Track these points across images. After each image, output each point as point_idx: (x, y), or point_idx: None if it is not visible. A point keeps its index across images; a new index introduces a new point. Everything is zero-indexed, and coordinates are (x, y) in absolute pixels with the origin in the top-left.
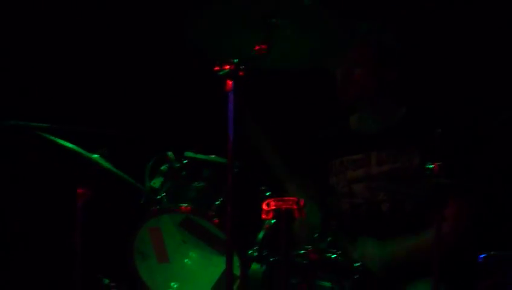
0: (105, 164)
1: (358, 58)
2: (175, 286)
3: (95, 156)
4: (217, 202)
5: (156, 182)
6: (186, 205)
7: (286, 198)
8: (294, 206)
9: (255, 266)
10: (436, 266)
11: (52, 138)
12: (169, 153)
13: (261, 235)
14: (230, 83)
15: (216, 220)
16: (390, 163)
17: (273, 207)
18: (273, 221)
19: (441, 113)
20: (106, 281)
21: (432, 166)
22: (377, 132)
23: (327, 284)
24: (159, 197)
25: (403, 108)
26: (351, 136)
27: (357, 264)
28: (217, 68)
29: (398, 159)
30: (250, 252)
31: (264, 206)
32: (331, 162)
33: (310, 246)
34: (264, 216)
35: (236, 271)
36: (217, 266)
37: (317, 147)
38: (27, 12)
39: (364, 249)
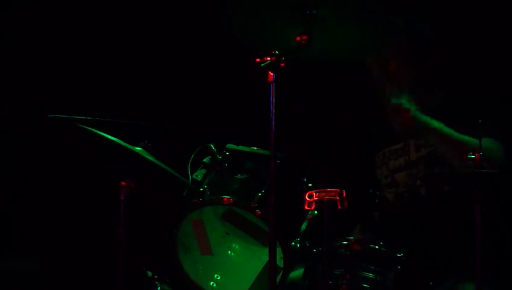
0: (149, 157)
1: (393, 50)
2: (218, 277)
3: (138, 148)
4: (259, 194)
5: (199, 175)
6: (228, 197)
7: (328, 189)
8: (337, 197)
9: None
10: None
11: (95, 130)
12: (212, 145)
13: (303, 226)
14: (271, 74)
15: (259, 212)
16: (428, 147)
17: (316, 198)
18: (315, 212)
19: (479, 97)
20: (149, 273)
21: (473, 156)
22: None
23: (370, 275)
24: (201, 189)
25: (440, 92)
26: (389, 127)
27: (400, 255)
28: (258, 60)
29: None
30: (293, 243)
31: (306, 198)
32: (375, 156)
33: (352, 237)
34: (306, 207)
35: (280, 263)
36: (259, 257)
37: (362, 140)
38: (64, 5)
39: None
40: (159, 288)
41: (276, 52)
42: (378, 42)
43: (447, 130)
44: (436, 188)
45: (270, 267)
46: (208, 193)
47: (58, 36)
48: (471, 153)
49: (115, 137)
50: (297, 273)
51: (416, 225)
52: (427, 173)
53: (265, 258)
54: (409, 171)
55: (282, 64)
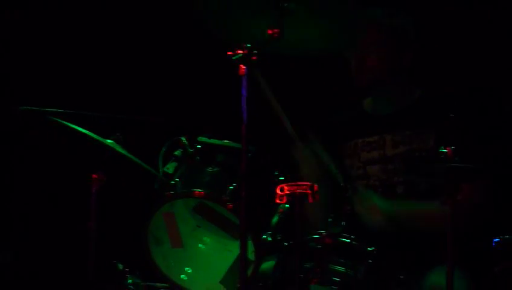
0: (120, 149)
1: (372, 43)
2: (189, 271)
3: (109, 141)
4: (230, 187)
5: (170, 167)
6: (200, 190)
7: (300, 183)
8: (308, 191)
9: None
10: (451, 251)
11: (66, 123)
12: (183, 138)
13: (275, 219)
14: (243, 67)
15: (230, 205)
16: (406, 145)
17: (287, 192)
18: (286, 205)
19: (456, 96)
20: (120, 266)
21: (445, 150)
22: (392, 113)
23: (341, 268)
24: (172, 182)
25: (417, 90)
26: (365, 118)
27: (371, 248)
28: (230, 53)
29: (413, 140)
30: (264, 236)
31: (278, 191)
32: (345, 145)
33: (323, 231)
34: (277, 201)
35: (251, 256)
36: (231, 251)
37: (330, 130)
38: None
39: (369, 201)
40: (130, 281)
41: (248, 45)
42: (353, 36)
43: (411, 206)
44: (413, 187)
45: (241, 260)
46: (179, 185)
47: (29, 26)
48: (443, 147)
49: (86, 130)
50: (267, 265)
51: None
52: (406, 171)
53: (237, 251)
54: (384, 166)
55: (254, 58)
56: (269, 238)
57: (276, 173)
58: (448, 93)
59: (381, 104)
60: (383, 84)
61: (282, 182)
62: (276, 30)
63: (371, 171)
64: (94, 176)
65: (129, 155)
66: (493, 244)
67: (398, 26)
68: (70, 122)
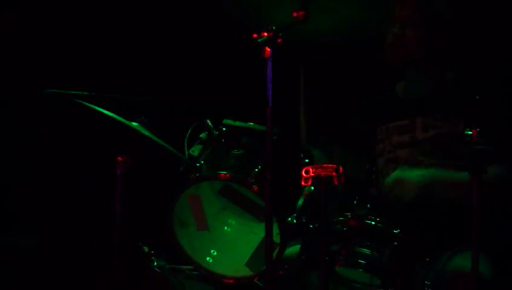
0: (145, 132)
1: (410, 21)
2: (214, 253)
3: (135, 124)
4: (256, 169)
5: (195, 150)
6: (225, 172)
7: (325, 165)
8: (334, 173)
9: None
10: (476, 236)
11: (91, 105)
12: (208, 121)
13: (300, 202)
14: (268, 50)
15: (255, 188)
16: (436, 128)
17: (312, 174)
18: (312, 188)
19: (488, 80)
20: (146, 249)
21: (470, 132)
22: (423, 97)
23: (366, 251)
24: (198, 164)
25: (450, 74)
26: (396, 102)
27: (396, 231)
28: (255, 35)
29: (443, 124)
30: (289, 219)
31: (303, 173)
32: (377, 129)
33: (349, 213)
34: (303, 183)
35: (276, 238)
36: (256, 233)
37: (362, 114)
38: None
39: (401, 172)
40: (155, 263)
41: (273, 27)
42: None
43: (444, 174)
44: None
45: (267, 243)
46: (205, 168)
47: (53, 9)
48: (469, 129)
49: (112, 112)
50: (293, 249)
51: (414, 203)
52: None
53: (262, 234)
54: (413, 149)
55: (279, 40)
56: (294, 221)
57: (301, 155)
58: (480, 78)
59: (414, 86)
60: (417, 63)
61: (307, 164)
62: (301, 12)
63: (401, 155)
64: (119, 158)
65: (154, 138)
66: None
67: (436, 8)
68: (95, 105)
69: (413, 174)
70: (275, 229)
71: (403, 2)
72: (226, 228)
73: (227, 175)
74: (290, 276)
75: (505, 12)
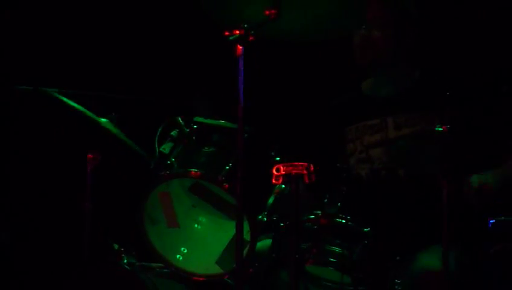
0: (113, 129)
1: (377, 20)
2: (185, 251)
3: (103, 120)
4: (226, 167)
5: (166, 147)
6: (196, 170)
7: (296, 163)
8: (304, 171)
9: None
10: (446, 231)
11: (62, 98)
12: (179, 118)
13: (271, 200)
14: (240, 48)
15: (226, 185)
16: (410, 126)
17: (283, 172)
18: (282, 186)
19: (454, 76)
20: (116, 246)
21: (441, 128)
22: (392, 96)
23: (337, 249)
24: (168, 162)
25: (416, 71)
26: (364, 101)
27: (366, 229)
28: (227, 33)
29: (417, 122)
30: (260, 217)
31: (274, 171)
32: (346, 129)
33: (319, 211)
34: (274, 181)
35: (246, 236)
36: (226, 231)
37: (331, 115)
38: None
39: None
40: (125, 261)
41: (245, 26)
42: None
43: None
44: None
45: (237, 240)
46: (176, 165)
47: (25, 6)
48: (439, 126)
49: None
50: (264, 243)
51: (385, 201)
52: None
53: (232, 231)
54: (386, 149)
55: (251, 38)
56: (265, 219)
57: (272, 153)
58: (447, 74)
59: (382, 85)
60: (385, 64)
61: (278, 162)
62: (273, 11)
63: (373, 155)
64: (89, 155)
65: (120, 135)
66: (489, 225)
67: (403, 5)
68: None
69: (488, 179)
70: (246, 227)
71: (368, 2)
72: (196, 225)
73: (198, 173)
74: (261, 274)
75: (471, 10)
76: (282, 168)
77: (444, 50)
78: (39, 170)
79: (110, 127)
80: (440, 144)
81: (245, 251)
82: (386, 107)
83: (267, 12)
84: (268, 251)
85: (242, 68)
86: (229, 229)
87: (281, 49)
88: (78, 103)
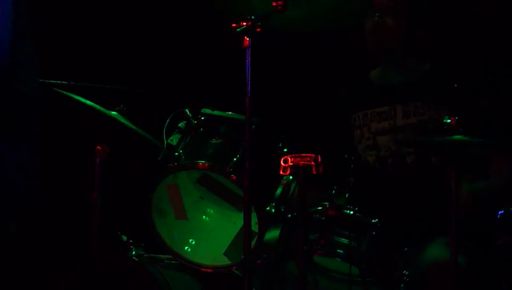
0: (124, 121)
1: (390, 9)
2: (193, 242)
3: (113, 113)
4: (234, 159)
5: (174, 139)
6: (203, 161)
7: (303, 154)
8: (312, 163)
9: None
10: (454, 223)
11: (70, 94)
12: (187, 110)
13: (278, 191)
14: (247, 39)
15: (233, 177)
16: (418, 115)
17: (291, 163)
18: (290, 177)
19: (465, 70)
20: (124, 238)
21: (449, 120)
22: (402, 84)
23: (345, 240)
24: (176, 154)
25: (427, 63)
26: (373, 89)
27: (374, 220)
28: (234, 25)
29: (425, 111)
30: (267, 208)
31: (282, 163)
32: (354, 116)
33: (327, 203)
34: (281, 172)
35: (254, 227)
36: (234, 222)
37: (339, 102)
38: None
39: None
40: (133, 252)
41: (252, 17)
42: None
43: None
44: (423, 158)
45: (245, 232)
46: (183, 157)
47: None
48: (447, 118)
49: (91, 101)
50: (271, 235)
51: (393, 191)
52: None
53: (240, 223)
54: (394, 136)
55: (258, 30)
56: (273, 210)
57: (279, 145)
58: (457, 66)
59: (392, 73)
60: (394, 53)
61: (286, 153)
62: (280, 2)
63: (381, 142)
64: (98, 147)
65: (132, 126)
66: (498, 216)
67: None
68: (75, 94)
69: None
70: (253, 219)
71: None
72: (204, 217)
73: (206, 164)
74: (269, 265)
75: (482, 5)
76: (289, 159)
77: (454, 42)
78: (48, 162)
79: (120, 119)
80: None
81: (253, 243)
82: (396, 95)
83: (273, 4)
84: (277, 242)
85: (249, 59)
86: (237, 221)
87: (287, 40)
88: (87, 96)
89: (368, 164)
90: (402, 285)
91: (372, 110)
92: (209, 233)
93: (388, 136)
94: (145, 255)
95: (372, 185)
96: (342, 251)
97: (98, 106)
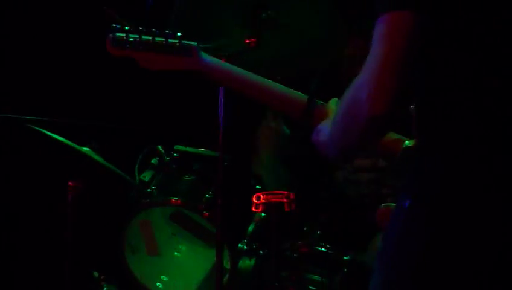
0: (96, 157)
1: (358, 58)
2: (165, 279)
3: (86, 149)
4: (207, 195)
5: (146, 175)
6: (176, 198)
7: (276, 191)
8: (284, 200)
9: (244, 262)
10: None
11: (43, 130)
12: (160, 147)
13: (251, 228)
14: None
15: (206, 213)
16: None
17: (263, 200)
18: (263, 214)
19: None
20: (96, 274)
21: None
22: None
23: (317, 277)
24: (149, 190)
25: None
26: None
27: (346, 257)
28: None
29: None
30: (240, 245)
31: (254, 200)
32: None
33: (300, 241)
34: (254, 209)
35: (227, 264)
36: (207, 259)
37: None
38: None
39: None
40: (105, 289)
41: (225, 54)
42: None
43: None
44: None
45: (217, 268)
46: (156, 194)
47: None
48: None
49: (63, 137)
50: (245, 263)
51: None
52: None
53: (213, 259)
54: (375, 176)
55: None
56: (245, 247)
57: (252, 182)
58: None
59: None
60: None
61: (258, 190)
62: (253, 40)
63: (361, 179)
64: (70, 183)
65: (105, 163)
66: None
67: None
68: (47, 130)
69: None
70: (226, 255)
71: (349, 41)
72: (176, 253)
73: (179, 201)
74: None
75: None
76: (262, 196)
77: None
78: (20, 199)
79: (93, 155)
80: None
81: (225, 279)
82: None
83: (246, 41)
84: (250, 277)
85: (222, 96)
86: (209, 257)
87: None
88: (59, 133)
89: (347, 197)
90: None
91: None
92: (181, 269)
93: (369, 175)
94: None
95: (349, 220)
96: (313, 288)
97: (70, 142)
